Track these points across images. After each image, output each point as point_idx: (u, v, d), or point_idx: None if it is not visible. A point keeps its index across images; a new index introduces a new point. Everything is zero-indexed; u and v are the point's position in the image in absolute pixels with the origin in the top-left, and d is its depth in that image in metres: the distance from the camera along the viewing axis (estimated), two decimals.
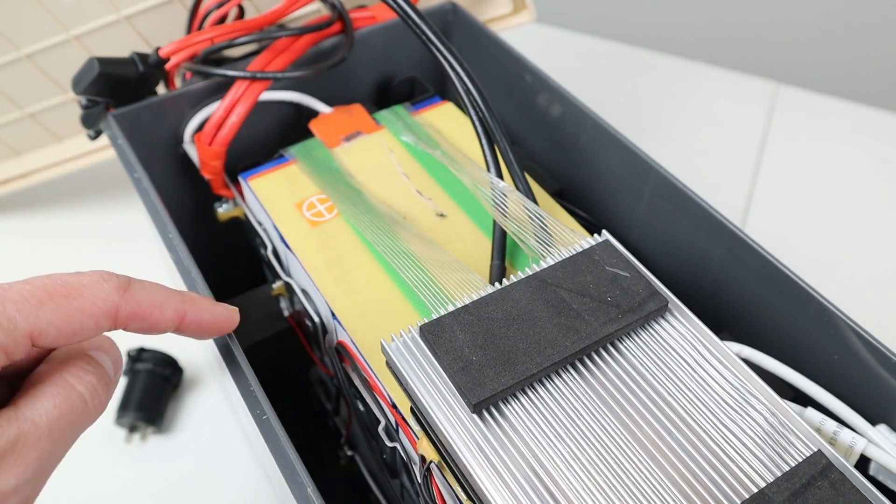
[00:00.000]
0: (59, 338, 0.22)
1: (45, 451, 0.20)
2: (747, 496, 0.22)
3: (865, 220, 0.66)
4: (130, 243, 0.63)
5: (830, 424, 0.29)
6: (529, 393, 0.24)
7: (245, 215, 0.41)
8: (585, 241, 0.28)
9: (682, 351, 0.26)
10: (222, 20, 0.44)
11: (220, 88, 0.41)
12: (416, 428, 0.26)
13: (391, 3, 0.38)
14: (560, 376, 0.25)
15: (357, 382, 0.32)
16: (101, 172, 0.64)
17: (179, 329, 0.26)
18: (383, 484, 0.39)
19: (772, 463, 0.23)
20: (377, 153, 0.40)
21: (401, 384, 0.25)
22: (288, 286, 0.37)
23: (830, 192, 0.68)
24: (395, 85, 0.49)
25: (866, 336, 0.30)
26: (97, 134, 0.41)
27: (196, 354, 0.54)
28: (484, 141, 0.36)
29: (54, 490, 0.47)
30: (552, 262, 0.27)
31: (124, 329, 0.24)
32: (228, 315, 0.27)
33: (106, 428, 0.50)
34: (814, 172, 0.70)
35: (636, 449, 0.23)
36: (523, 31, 0.60)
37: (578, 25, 0.87)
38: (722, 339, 0.26)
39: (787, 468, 0.23)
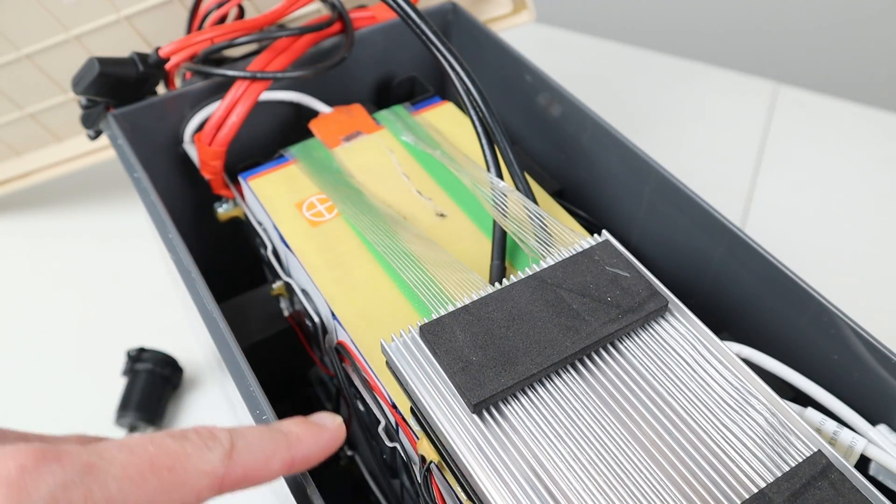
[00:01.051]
0: None
1: None
2: (747, 496, 0.22)
3: (865, 220, 0.66)
4: (130, 243, 0.63)
5: (830, 424, 0.29)
6: (529, 393, 0.24)
7: (245, 215, 0.41)
8: (585, 241, 0.28)
9: (682, 351, 0.26)
10: (222, 20, 0.44)
11: (220, 88, 0.41)
12: (416, 428, 0.26)
13: (391, 3, 0.38)
14: (560, 376, 0.25)
15: (357, 382, 0.32)
16: (101, 172, 0.64)
17: (287, 473, 0.24)
18: (383, 484, 0.39)
19: (772, 463, 0.23)
20: (377, 153, 0.40)
21: (401, 384, 0.25)
22: (288, 286, 0.37)
23: (830, 192, 0.68)
24: (395, 85, 0.49)
25: (866, 336, 0.30)
26: (97, 134, 0.41)
27: (196, 354, 0.54)
28: (484, 141, 0.36)
29: None
30: (552, 262, 0.27)
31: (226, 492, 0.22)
32: (334, 436, 0.24)
33: (105, 429, 0.50)
34: (814, 172, 0.70)
35: (636, 449, 0.23)
36: (523, 31, 0.60)
37: (578, 25, 0.87)
38: (722, 339, 0.26)
39: (787, 468, 0.23)
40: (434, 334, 0.25)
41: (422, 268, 0.31)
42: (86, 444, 0.19)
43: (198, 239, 0.42)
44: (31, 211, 0.66)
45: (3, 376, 0.54)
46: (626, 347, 0.26)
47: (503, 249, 0.33)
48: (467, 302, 0.26)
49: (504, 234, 0.34)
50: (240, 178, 0.39)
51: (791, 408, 0.24)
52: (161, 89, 0.42)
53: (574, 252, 0.28)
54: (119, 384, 0.52)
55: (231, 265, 0.47)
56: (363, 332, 0.31)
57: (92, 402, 0.52)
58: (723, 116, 0.76)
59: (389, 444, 0.30)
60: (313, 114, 0.43)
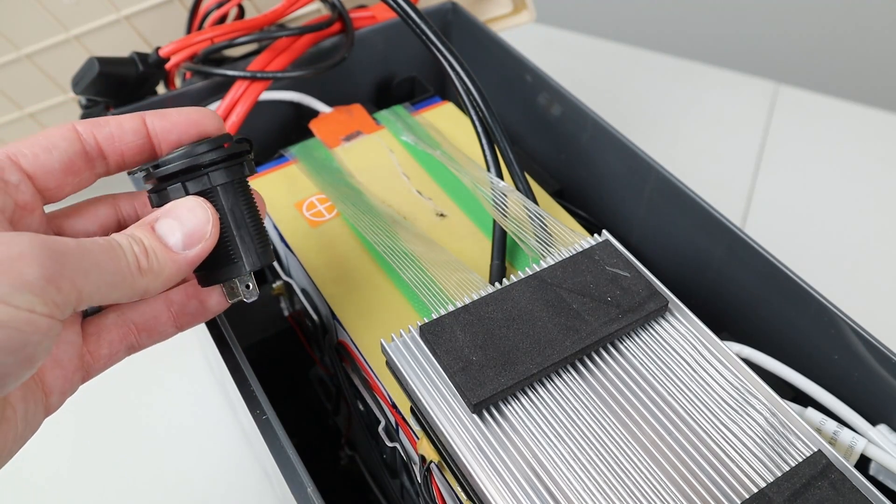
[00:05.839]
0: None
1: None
2: (747, 496, 0.22)
3: (865, 220, 0.66)
4: None
5: (830, 424, 0.29)
6: (529, 393, 0.24)
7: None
8: (585, 241, 0.28)
9: (682, 351, 0.26)
10: (222, 20, 0.44)
11: (220, 88, 0.41)
12: (416, 428, 0.26)
13: (391, 3, 0.38)
14: (560, 376, 0.25)
15: (357, 382, 0.32)
16: None
17: (153, 136, 0.25)
18: (383, 484, 0.39)
19: (772, 463, 0.23)
20: (377, 153, 0.40)
21: (401, 384, 0.25)
22: (288, 286, 0.37)
23: (830, 192, 0.68)
24: (395, 85, 0.49)
25: (866, 336, 0.30)
26: None
27: (195, 354, 0.54)
28: (484, 141, 0.36)
29: (55, 490, 0.47)
30: (552, 262, 0.27)
31: (99, 145, 0.25)
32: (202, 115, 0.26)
33: (104, 428, 0.50)
34: (814, 172, 0.70)
35: (636, 449, 0.23)
36: (523, 31, 0.60)
37: (578, 25, 0.87)
38: (722, 339, 0.26)
39: (787, 468, 0.23)
40: (434, 334, 0.25)
41: (422, 268, 0.31)
42: None
43: None
44: None
45: None
46: (626, 347, 0.26)
47: (503, 249, 0.33)
48: (467, 302, 0.26)
49: (504, 234, 0.34)
50: None
51: (791, 408, 0.24)
52: (161, 89, 0.42)
53: (574, 252, 0.28)
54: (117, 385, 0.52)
55: None
56: (363, 332, 0.31)
57: (91, 401, 0.52)
58: (723, 116, 0.76)
59: (389, 444, 0.30)
60: (313, 114, 0.43)
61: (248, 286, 0.26)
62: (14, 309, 0.18)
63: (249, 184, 0.26)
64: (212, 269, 0.25)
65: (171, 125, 0.25)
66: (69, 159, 0.24)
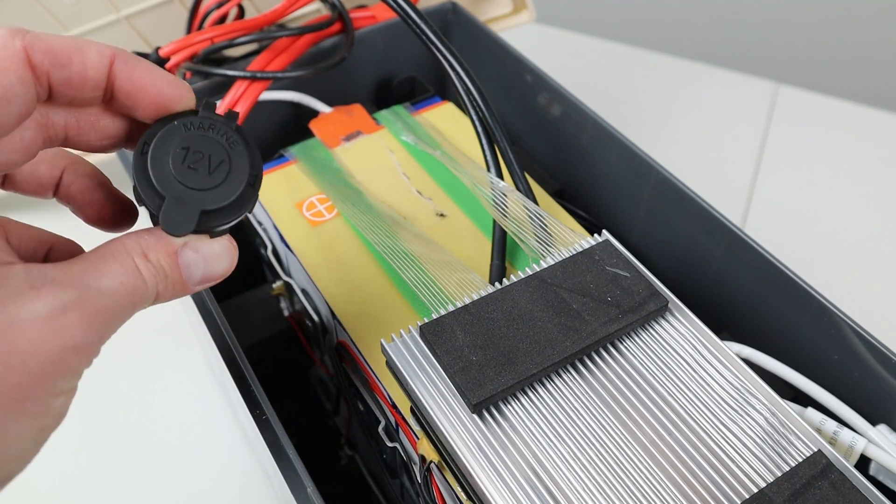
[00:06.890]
0: None
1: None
2: (747, 496, 0.22)
3: (865, 220, 0.66)
4: None
5: (830, 424, 0.29)
6: (529, 393, 0.24)
7: (245, 215, 0.41)
8: (585, 241, 0.28)
9: (682, 351, 0.26)
10: (222, 20, 0.44)
11: (220, 88, 0.41)
12: (416, 428, 0.26)
13: (391, 3, 0.38)
14: (560, 376, 0.25)
15: (357, 382, 0.32)
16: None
17: (112, 86, 0.21)
18: (383, 484, 0.39)
19: (772, 463, 0.23)
20: (377, 153, 0.40)
21: (401, 384, 0.25)
22: (288, 286, 0.37)
23: (830, 192, 0.68)
24: (395, 85, 0.49)
25: (866, 336, 0.30)
26: None
27: (195, 353, 0.54)
28: (484, 141, 0.36)
29: (56, 490, 0.47)
30: (552, 262, 0.27)
31: (50, 85, 0.20)
32: (177, 88, 0.22)
33: (104, 428, 0.50)
34: (814, 172, 0.70)
35: (636, 449, 0.23)
36: (523, 31, 0.60)
37: (578, 25, 0.87)
38: (722, 339, 0.26)
39: (787, 468, 0.23)
40: (434, 334, 0.25)
41: (422, 268, 0.31)
42: None
43: None
44: (32, 211, 0.66)
45: None
46: (626, 347, 0.26)
47: (503, 249, 0.33)
48: (467, 302, 0.26)
49: (504, 233, 0.34)
50: None
51: (791, 408, 0.24)
52: None
53: (574, 252, 0.28)
54: (114, 388, 0.52)
55: None
56: (363, 332, 0.31)
57: (92, 400, 0.52)
58: (723, 116, 0.76)
59: (389, 444, 0.30)
60: (313, 114, 0.43)
61: None
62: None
63: None
64: None
65: (142, 95, 0.22)
66: (26, 110, 0.20)
